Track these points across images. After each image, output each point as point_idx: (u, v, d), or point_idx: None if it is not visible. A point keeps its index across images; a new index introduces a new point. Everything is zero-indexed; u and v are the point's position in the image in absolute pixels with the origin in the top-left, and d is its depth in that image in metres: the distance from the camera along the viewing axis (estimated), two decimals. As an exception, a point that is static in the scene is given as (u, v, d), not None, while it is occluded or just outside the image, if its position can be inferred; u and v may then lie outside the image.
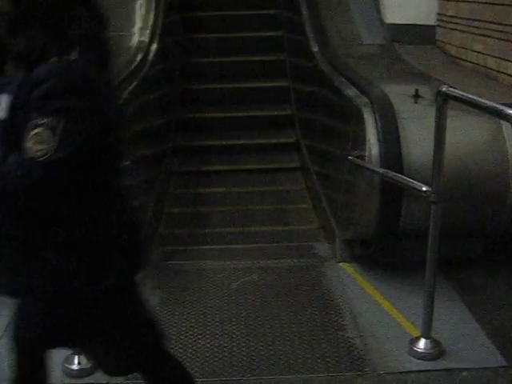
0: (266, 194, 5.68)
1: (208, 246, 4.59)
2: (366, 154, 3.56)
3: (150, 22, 5.91)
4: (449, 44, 5.71)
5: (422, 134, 3.61)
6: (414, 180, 3.25)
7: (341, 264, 4.14)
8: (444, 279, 3.76)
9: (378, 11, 6.21)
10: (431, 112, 3.80)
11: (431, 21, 6.04)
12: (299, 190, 5.70)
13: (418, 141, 3.58)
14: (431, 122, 3.61)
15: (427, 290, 3.06)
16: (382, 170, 3.36)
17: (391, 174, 3.27)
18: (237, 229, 4.96)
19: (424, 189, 2.93)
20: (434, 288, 3.05)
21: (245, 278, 3.97)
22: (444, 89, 2.78)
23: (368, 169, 3.48)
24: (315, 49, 5.63)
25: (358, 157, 3.63)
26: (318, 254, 4.36)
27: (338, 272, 4.05)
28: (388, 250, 3.93)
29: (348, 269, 4.07)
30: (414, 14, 6.06)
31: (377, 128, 3.58)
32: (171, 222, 5.12)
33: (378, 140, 3.56)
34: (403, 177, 3.21)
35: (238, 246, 4.55)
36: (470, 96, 2.73)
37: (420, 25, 6.06)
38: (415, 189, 3.02)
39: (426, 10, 6.06)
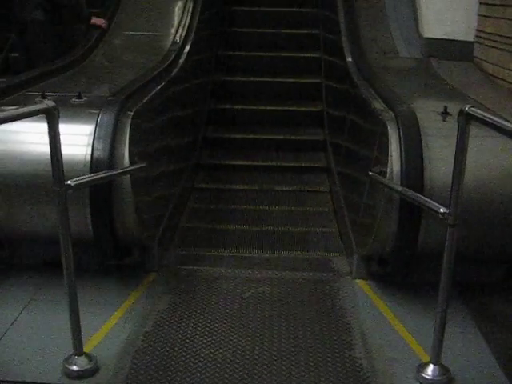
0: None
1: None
2: (388, 170, 3.47)
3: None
4: (486, 61, 5.57)
5: (447, 153, 3.51)
6: (434, 201, 3.18)
7: (356, 280, 4.05)
8: (461, 304, 3.66)
9: (416, 24, 6.10)
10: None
11: (470, 37, 5.90)
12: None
13: (442, 160, 3.48)
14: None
15: (439, 315, 2.95)
16: (400, 188, 3.26)
17: (409, 192, 3.17)
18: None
19: (441, 210, 2.83)
20: (446, 313, 2.95)
21: (256, 289, 3.91)
22: (467, 109, 2.68)
23: (387, 186, 3.38)
24: (349, 58, 5.55)
25: (378, 172, 3.54)
26: (334, 268, 4.27)
27: (353, 288, 3.96)
28: (405, 270, 3.84)
29: (363, 286, 3.98)
30: (452, 30, 5.92)
31: (400, 144, 3.49)
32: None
33: (400, 156, 3.46)
34: (421, 196, 3.11)
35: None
36: (494, 118, 2.62)
37: (458, 40, 5.93)
38: (432, 209, 2.92)
39: (464, 26, 5.92)
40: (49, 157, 2.77)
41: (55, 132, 2.71)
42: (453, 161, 3.13)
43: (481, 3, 5.77)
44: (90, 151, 3.53)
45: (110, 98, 3.79)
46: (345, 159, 5.18)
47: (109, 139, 3.52)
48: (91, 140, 3.56)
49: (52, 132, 2.71)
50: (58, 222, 2.87)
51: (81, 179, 2.95)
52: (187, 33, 6.01)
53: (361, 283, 4.01)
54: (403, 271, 3.83)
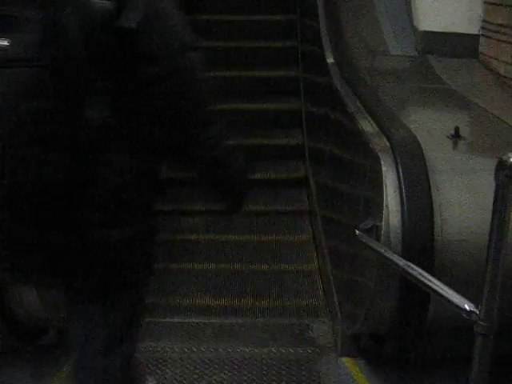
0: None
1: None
2: (383, 225, 2.49)
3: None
4: (496, 59, 4.59)
5: (467, 199, 2.54)
6: (448, 266, 2.26)
7: (343, 359, 3.07)
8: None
9: (410, 16, 5.11)
10: (479, 163, 2.78)
11: (474, 29, 4.92)
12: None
13: (459, 210, 2.51)
14: (480, 179, 2.59)
15: None
16: (402, 263, 2.24)
17: (416, 271, 2.15)
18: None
19: (467, 307, 1.84)
20: None
21: (210, 378, 2.92)
22: (510, 159, 1.68)
23: (383, 256, 2.38)
24: (330, 60, 4.55)
25: (369, 229, 2.55)
26: (314, 339, 3.28)
27: (339, 373, 2.98)
28: (407, 348, 2.87)
29: (352, 368, 3.02)
30: (452, 21, 4.95)
31: (400, 188, 2.50)
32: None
33: (401, 205, 2.48)
34: (434, 280, 2.06)
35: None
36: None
37: (459, 33, 4.95)
38: (455, 305, 1.92)
39: (467, 16, 4.95)
40: None
41: None
42: (476, 211, 2.25)
43: (488, -12, 4.79)
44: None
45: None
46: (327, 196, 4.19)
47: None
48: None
49: None
50: None
51: None
52: None
53: (348, 363, 3.04)
54: (406, 352, 2.87)
